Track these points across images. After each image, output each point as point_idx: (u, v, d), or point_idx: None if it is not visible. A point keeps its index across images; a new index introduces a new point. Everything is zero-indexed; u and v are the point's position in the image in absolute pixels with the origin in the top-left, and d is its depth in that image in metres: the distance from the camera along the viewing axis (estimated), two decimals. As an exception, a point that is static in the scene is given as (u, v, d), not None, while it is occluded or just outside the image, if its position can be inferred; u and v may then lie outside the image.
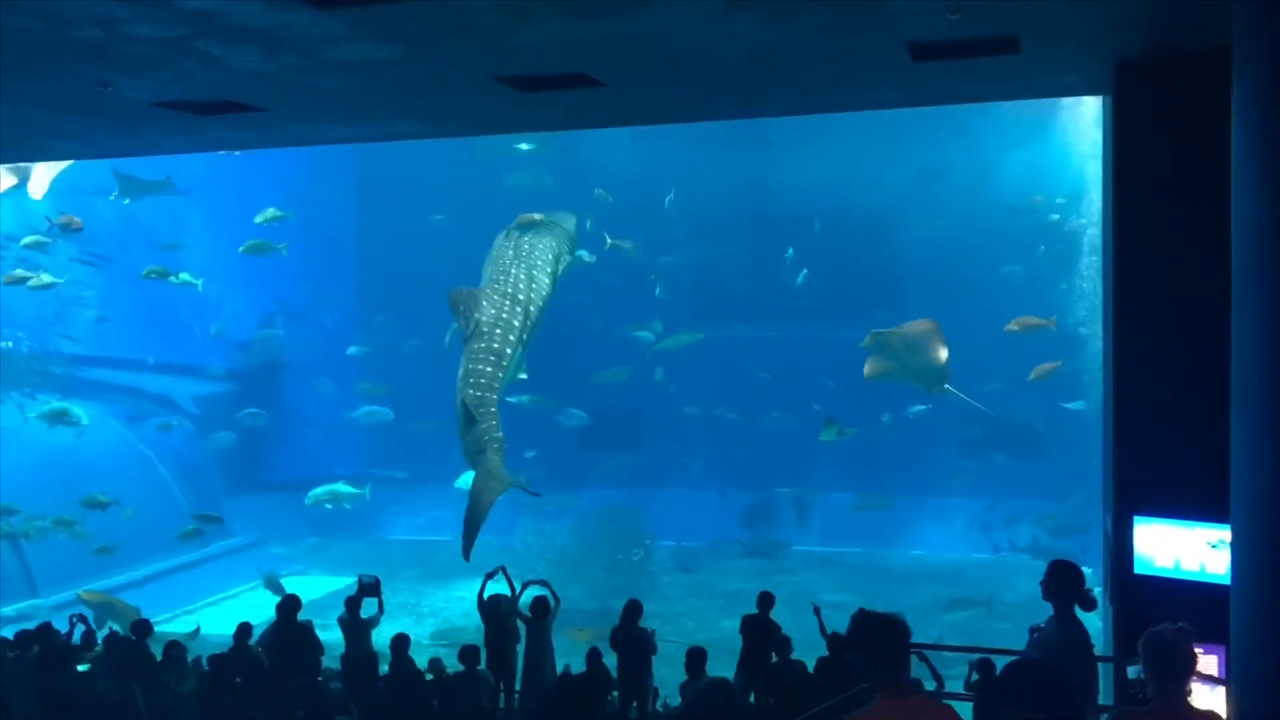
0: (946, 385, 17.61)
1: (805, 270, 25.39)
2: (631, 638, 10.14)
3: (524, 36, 8.07)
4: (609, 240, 20.62)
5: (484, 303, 16.82)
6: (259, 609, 11.36)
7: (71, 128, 11.58)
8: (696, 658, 9.38)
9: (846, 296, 25.66)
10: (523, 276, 17.42)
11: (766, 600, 10.05)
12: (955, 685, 8.69)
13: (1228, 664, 5.64)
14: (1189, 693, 4.11)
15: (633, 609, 10.34)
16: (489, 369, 16.17)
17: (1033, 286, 24.31)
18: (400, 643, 9.91)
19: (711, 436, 26.37)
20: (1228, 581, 5.44)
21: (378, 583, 10.74)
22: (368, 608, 10.77)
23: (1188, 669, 4.09)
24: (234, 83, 9.48)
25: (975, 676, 8.13)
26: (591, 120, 13.43)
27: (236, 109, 10.55)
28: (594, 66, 9.15)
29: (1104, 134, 10.58)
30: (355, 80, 9.49)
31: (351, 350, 26.36)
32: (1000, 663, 7.25)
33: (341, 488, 20.62)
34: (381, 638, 10.57)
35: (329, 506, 20.84)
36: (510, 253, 17.84)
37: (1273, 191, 4.76)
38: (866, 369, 17.67)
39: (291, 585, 20.80)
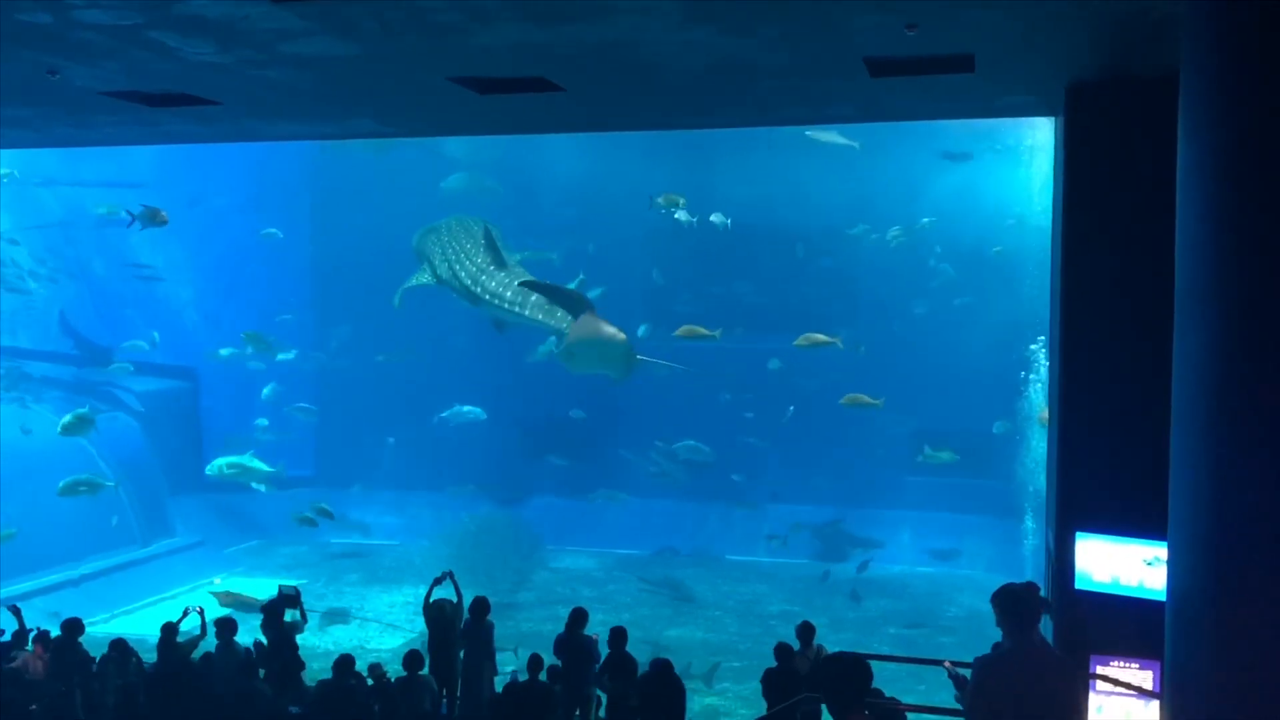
0: (640, 357, 18.79)
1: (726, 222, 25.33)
2: (576, 644, 10.10)
3: (482, 38, 8.04)
4: (654, 201, 21.30)
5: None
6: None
7: (20, 115, 11.34)
8: (619, 635, 9.85)
9: (796, 308, 25.72)
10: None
11: (579, 618, 10.30)
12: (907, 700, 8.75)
13: (1163, 679, 5.72)
14: (1038, 637, 4.87)
15: (578, 616, 10.30)
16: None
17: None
18: (344, 663, 9.78)
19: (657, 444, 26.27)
20: (1164, 598, 5.52)
21: (298, 593, 10.95)
22: (290, 617, 10.85)
23: (1036, 615, 4.94)
24: (187, 74, 9.34)
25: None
26: (550, 124, 13.43)
27: (190, 101, 10.38)
28: (553, 71, 9.14)
29: (1055, 154, 10.76)
30: (311, 76, 9.38)
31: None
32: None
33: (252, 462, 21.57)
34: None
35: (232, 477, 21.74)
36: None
37: (1214, 215, 4.86)
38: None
39: (235, 586, 20.45)
